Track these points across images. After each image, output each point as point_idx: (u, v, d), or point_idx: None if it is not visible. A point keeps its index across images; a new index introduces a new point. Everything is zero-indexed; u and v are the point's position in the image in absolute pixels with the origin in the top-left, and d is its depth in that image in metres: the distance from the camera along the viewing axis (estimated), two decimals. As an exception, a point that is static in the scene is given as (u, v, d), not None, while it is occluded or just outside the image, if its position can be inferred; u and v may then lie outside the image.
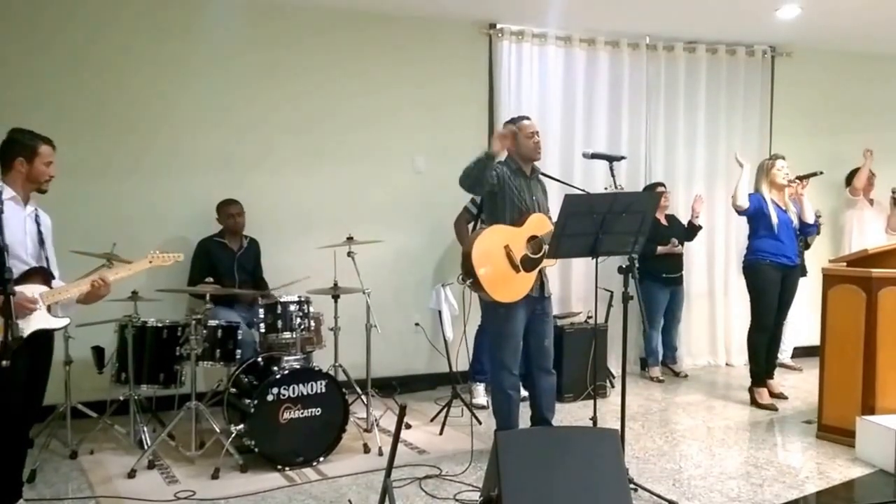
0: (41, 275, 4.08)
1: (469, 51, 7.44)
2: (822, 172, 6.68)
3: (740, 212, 6.56)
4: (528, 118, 5.21)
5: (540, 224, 4.99)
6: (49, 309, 4.06)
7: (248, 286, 6.27)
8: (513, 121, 5.19)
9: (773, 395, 6.79)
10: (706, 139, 8.21)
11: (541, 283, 5.08)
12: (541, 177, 5.30)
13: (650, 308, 7.55)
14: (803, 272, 7.71)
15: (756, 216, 6.51)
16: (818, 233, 7.21)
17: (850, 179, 8.30)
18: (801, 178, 6.57)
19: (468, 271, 4.84)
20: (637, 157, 7.90)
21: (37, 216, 4.15)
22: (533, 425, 5.22)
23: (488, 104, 7.49)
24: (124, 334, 5.45)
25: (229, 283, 6.10)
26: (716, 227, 8.12)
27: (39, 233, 4.14)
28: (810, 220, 6.64)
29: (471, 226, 6.49)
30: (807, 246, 7.72)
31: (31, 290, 3.97)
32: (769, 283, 6.51)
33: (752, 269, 6.59)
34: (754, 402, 6.70)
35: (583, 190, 5.45)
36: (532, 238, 4.94)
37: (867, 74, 8.77)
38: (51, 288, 4.09)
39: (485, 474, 4.22)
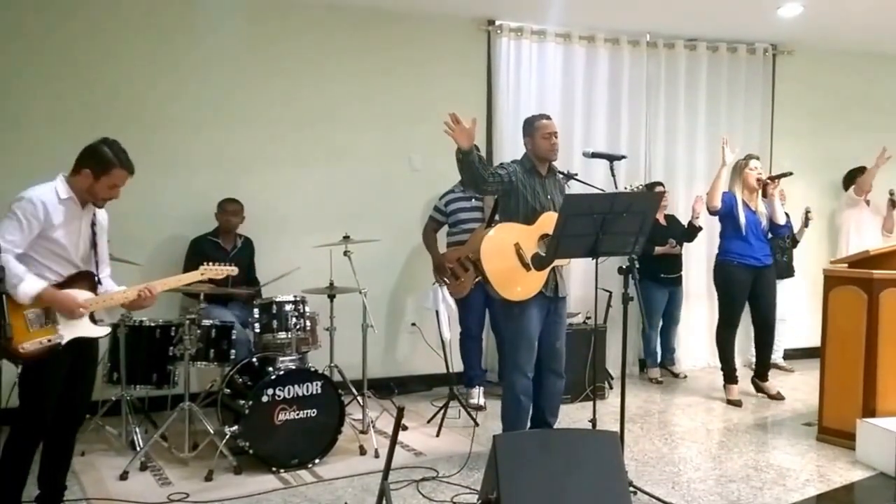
0: (88, 280, 4.01)
1: (467, 47, 7.40)
2: (791, 173, 6.64)
3: (713, 212, 6.58)
4: (547, 117, 5.07)
5: (552, 222, 4.88)
6: (93, 316, 4.00)
7: (242, 286, 6.19)
8: (531, 119, 5.08)
9: (770, 396, 6.83)
10: (706, 138, 8.14)
11: (555, 283, 4.99)
12: (558, 176, 5.20)
13: (648, 308, 7.51)
14: (790, 272, 7.68)
15: (726, 216, 6.56)
16: (803, 226, 7.16)
17: (847, 180, 8.26)
18: (772, 179, 6.59)
19: (477, 269, 4.81)
20: (637, 155, 7.85)
21: (94, 216, 4.07)
22: (533, 426, 5.16)
23: (486, 102, 7.45)
24: (117, 334, 5.38)
25: (222, 283, 6.02)
26: (714, 227, 8.02)
27: (94, 234, 4.06)
28: (781, 220, 6.66)
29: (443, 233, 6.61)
30: (794, 244, 7.69)
31: (77, 295, 3.91)
32: (735, 283, 6.59)
33: (720, 269, 6.71)
34: (726, 399, 6.82)
35: (602, 189, 5.35)
36: (544, 236, 4.85)
37: (869, 73, 8.74)
38: (96, 294, 4.01)
39: (483, 477, 4.18)
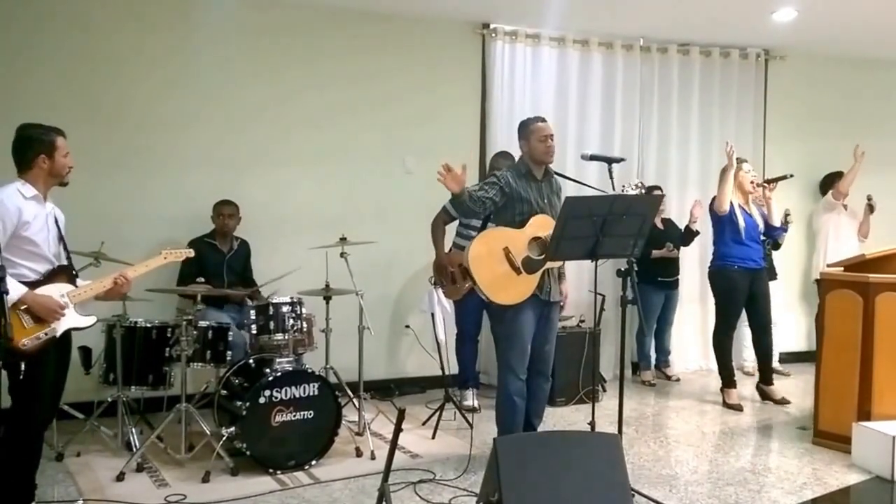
0: (66, 273, 4.08)
1: (462, 51, 7.40)
2: (791, 175, 6.69)
3: (721, 215, 6.56)
4: (542, 120, 5.04)
5: (544, 225, 4.85)
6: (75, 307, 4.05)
7: (237, 288, 6.17)
8: (527, 122, 5.05)
9: (775, 401, 6.78)
10: (699, 141, 8.17)
11: (549, 286, 4.95)
12: (555, 178, 5.17)
13: (645, 311, 7.51)
14: (773, 275, 7.65)
15: (723, 221, 6.57)
16: (786, 231, 7.18)
17: (825, 184, 8.28)
18: (769, 182, 6.64)
19: (467, 275, 4.79)
20: (630, 158, 7.77)
21: (54, 212, 4.12)
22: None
23: (481, 104, 7.46)
24: (112, 334, 5.36)
25: (218, 285, 6.01)
26: (708, 230, 8.02)
27: (59, 229, 4.12)
28: (777, 223, 6.71)
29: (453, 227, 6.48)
30: (776, 246, 7.64)
31: (58, 288, 3.97)
32: (736, 289, 6.62)
33: (720, 275, 6.71)
34: (724, 403, 6.79)
35: (600, 190, 5.33)
36: (535, 239, 4.84)
37: (860, 79, 8.78)
38: (75, 286, 4.07)
39: (483, 479, 4.16)
